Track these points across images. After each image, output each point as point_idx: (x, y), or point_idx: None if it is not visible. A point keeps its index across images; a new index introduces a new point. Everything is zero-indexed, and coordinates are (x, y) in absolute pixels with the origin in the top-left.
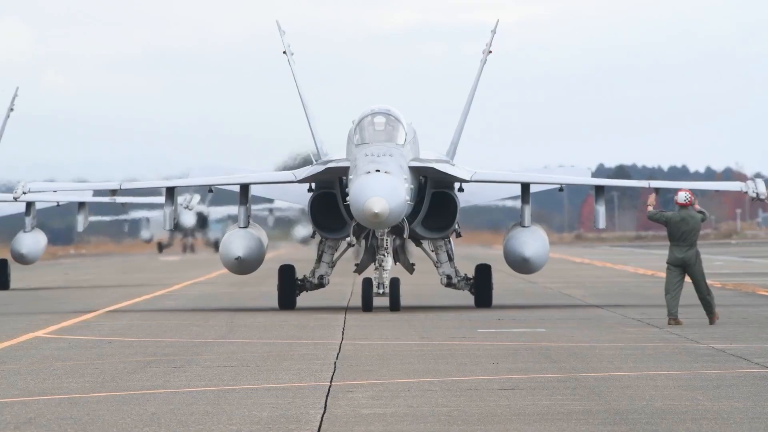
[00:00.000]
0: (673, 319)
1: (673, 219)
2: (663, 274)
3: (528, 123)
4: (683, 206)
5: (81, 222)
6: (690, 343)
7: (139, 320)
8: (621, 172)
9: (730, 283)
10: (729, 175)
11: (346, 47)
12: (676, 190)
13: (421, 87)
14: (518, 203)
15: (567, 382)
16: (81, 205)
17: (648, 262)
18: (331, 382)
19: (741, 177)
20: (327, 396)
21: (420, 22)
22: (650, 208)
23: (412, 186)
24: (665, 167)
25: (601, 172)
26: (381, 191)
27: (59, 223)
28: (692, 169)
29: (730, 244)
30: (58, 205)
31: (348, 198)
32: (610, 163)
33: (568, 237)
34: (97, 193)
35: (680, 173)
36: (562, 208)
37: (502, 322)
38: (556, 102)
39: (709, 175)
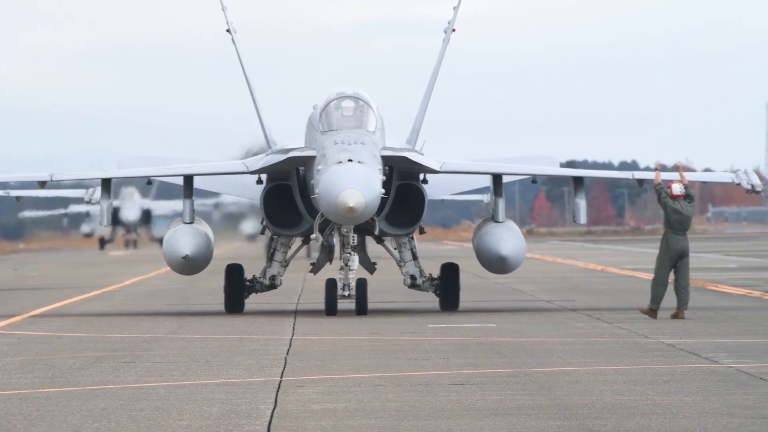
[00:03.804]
0: (653, 310)
1: (674, 207)
2: (613, 270)
3: (476, 120)
4: (678, 197)
5: None
6: (640, 338)
7: (89, 316)
8: (571, 167)
9: None
10: None
11: (295, 41)
12: (668, 182)
13: (371, 80)
14: (472, 197)
15: (517, 377)
16: None
17: (598, 258)
18: (281, 377)
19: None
20: (277, 391)
21: (373, 17)
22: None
23: (384, 177)
24: (616, 162)
25: None
26: (355, 183)
27: (8, 219)
28: (642, 164)
29: None
30: None
31: (317, 190)
32: (561, 158)
33: None
34: (26, 184)
35: (630, 168)
36: (514, 202)
37: (452, 318)
38: (505, 99)
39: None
